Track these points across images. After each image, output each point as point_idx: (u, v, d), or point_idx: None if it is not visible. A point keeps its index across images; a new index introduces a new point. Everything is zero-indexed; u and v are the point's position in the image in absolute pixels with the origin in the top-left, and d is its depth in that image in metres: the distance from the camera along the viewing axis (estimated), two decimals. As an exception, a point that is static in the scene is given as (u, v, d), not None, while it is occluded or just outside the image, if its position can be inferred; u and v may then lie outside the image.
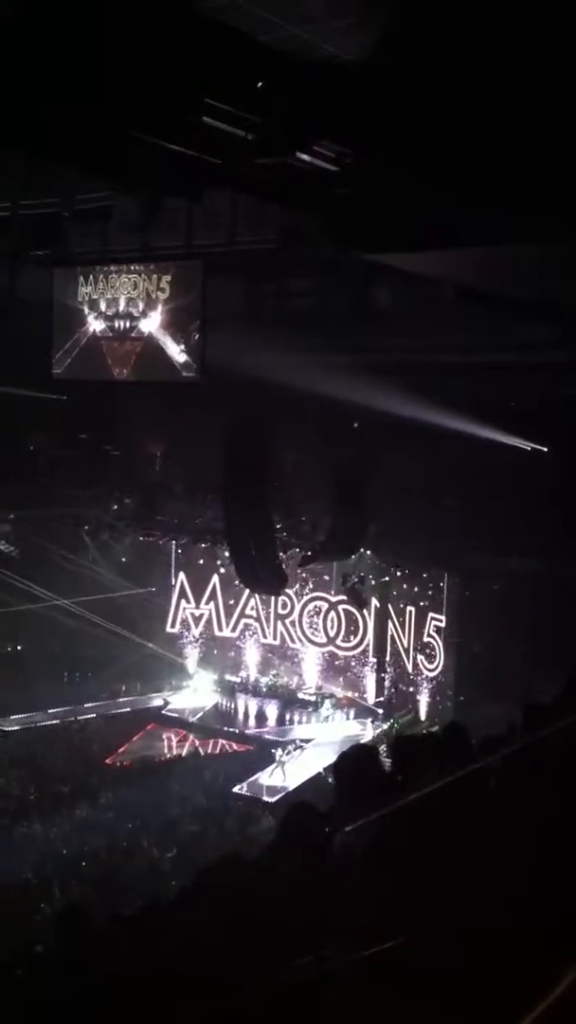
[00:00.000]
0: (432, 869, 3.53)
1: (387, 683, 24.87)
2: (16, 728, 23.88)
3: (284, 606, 26.19)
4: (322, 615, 25.76)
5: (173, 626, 27.88)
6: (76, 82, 6.03)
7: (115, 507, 26.13)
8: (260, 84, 6.66)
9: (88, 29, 5.80)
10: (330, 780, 19.15)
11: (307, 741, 23.52)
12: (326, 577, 25.57)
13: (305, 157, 7.34)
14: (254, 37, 6.50)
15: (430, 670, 23.90)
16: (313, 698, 25.29)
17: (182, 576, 27.79)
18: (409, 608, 24.35)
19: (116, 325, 17.20)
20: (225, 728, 25.44)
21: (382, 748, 20.34)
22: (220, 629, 27.42)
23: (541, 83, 5.27)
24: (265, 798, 20.86)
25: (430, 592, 24.01)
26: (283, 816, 4.83)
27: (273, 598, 25.80)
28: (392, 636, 24.70)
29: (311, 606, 25.94)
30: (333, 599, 25.45)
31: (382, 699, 24.78)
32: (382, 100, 6.18)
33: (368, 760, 4.78)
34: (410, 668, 24.34)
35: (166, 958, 4.51)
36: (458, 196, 5.68)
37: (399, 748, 5.34)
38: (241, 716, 25.85)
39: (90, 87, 6.10)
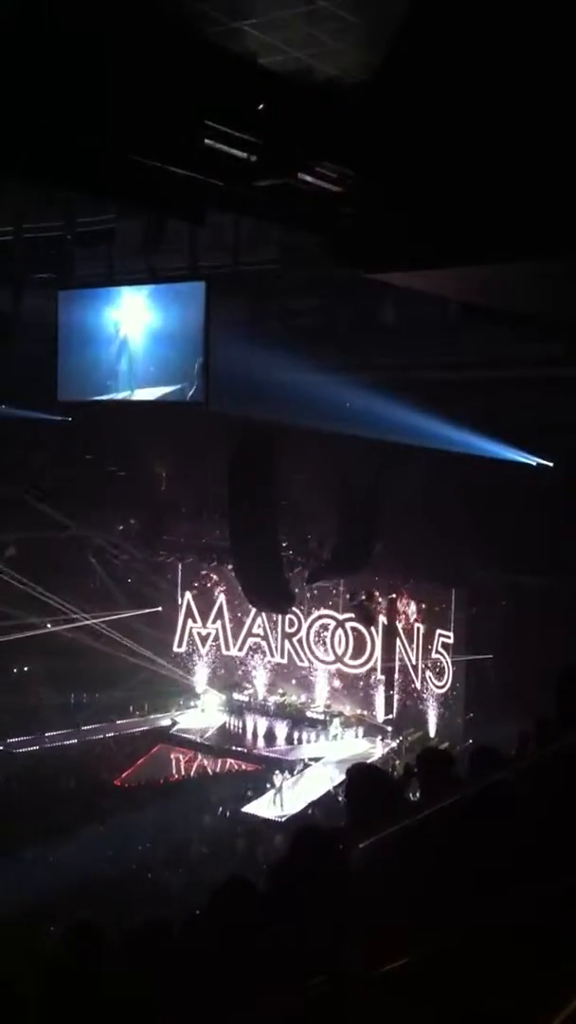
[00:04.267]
0: (447, 885, 3.52)
1: (396, 700, 24.79)
2: (24, 749, 23.85)
3: (291, 624, 26.16)
4: (329, 633, 25.72)
5: (180, 646, 27.85)
6: (77, 106, 6.08)
7: (121, 527, 26.20)
8: (261, 106, 6.72)
9: (88, 52, 5.85)
10: (340, 799, 19.18)
11: (316, 760, 23.48)
12: (333, 594, 25.54)
13: (307, 178, 7.39)
14: (255, 59, 6.56)
15: (439, 687, 23.85)
16: (322, 716, 25.21)
17: (188, 595, 27.78)
18: (417, 625, 24.32)
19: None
20: (234, 748, 25.37)
21: (396, 763, 20.38)
22: (227, 648, 27.40)
23: (543, 100, 5.31)
24: (275, 818, 20.79)
25: (438, 609, 23.98)
26: (292, 838, 4.83)
27: (280, 616, 25.78)
28: (400, 653, 24.64)
29: (318, 624, 25.90)
30: (340, 617, 25.42)
31: (391, 717, 24.71)
32: (384, 121, 6.23)
33: (378, 777, 4.77)
34: (419, 685, 24.28)
35: (177, 979, 4.50)
36: (461, 214, 5.71)
37: (425, 761, 5.33)
38: (250, 735, 25.78)
39: (91, 111, 6.15)
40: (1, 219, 17.22)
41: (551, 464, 18.93)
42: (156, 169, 6.88)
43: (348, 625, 25.24)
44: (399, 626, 24.55)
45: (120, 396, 17.46)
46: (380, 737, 24.41)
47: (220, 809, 21.25)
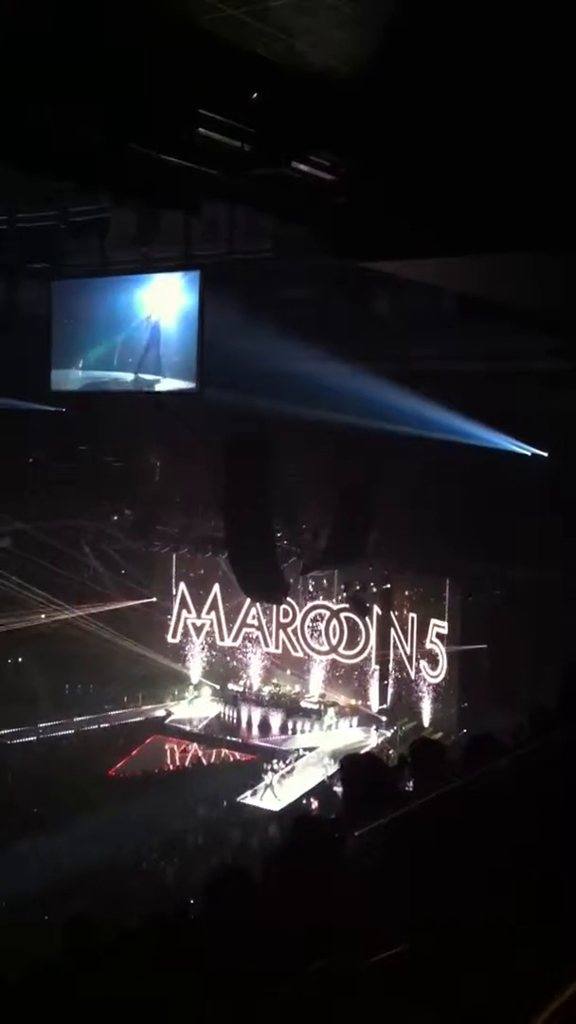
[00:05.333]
0: (440, 874, 3.53)
1: (390, 690, 24.83)
2: (18, 741, 23.85)
3: (285, 615, 26.16)
4: (324, 623, 25.73)
5: (174, 636, 27.85)
6: (71, 95, 6.06)
7: (115, 518, 26.16)
8: (255, 95, 6.69)
9: (83, 41, 5.83)
10: (335, 788, 19.24)
11: (310, 750, 23.51)
12: (328, 584, 25.55)
13: (302, 167, 7.37)
14: (249, 48, 6.53)
15: (433, 677, 23.90)
16: (316, 706, 25.24)
17: (183, 586, 27.77)
18: (411, 615, 24.35)
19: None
20: (228, 738, 25.40)
21: (390, 753, 20.40)
22: (221, 639, 27.40)
23: (538, 92, 5.29)
24: (270, 808, 20.83)
25: (432, 599, 24.02)
26: (290, 826, 4.84)
27: (274, 607, 25.80)
28: (394, 643, 24.67)
29: (313, 614, 25.91)
30: (335, 607, 25.44)
31: (385, 706, 24.75)
32: (378, 110, 6.21)
33: (374, 766, 4.78)
34: (413, 675, 24.33)
35: (172, 970, 4.50)
36: (456, 205, 5.69)
37: (420, 751, 5.33)
38: (244, 726, 25.80)
39: (85, 100, 6.12)
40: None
41: (545, 455, 18.94)
42: (150, 158, 6.86)
43: (342, 615, 25.25)
44: (393, 616, 24.58)
45: (113, 387, 17.45)
46: (374, 727, 24.46)
47: (215, 799, 21.27)
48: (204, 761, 24.46)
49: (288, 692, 26.10)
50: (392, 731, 23.91)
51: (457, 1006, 2.85)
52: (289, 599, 24.89)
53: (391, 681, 24.82)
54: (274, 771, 22.19)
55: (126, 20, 5.88)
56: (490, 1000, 2.88)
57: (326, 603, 25.70)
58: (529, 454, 19.00)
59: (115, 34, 5.87)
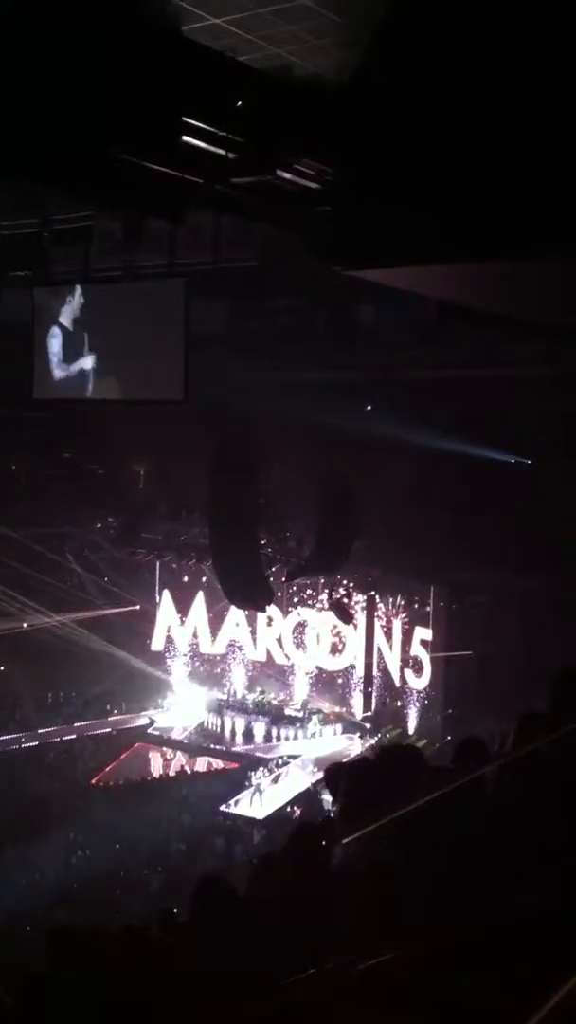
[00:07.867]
0: (430, 879, 3.53)
1: (374, 698, 24.83)
2: (0, 749, 23.75)
3: (269, 622, 26.15)
4: (308, 630, 25.72)
5: (158, 644, 27.78)
6: (55, 103, 6.06)
7: (99, 525, 26.12)
8: (240, 103, 6.71)
9: (67, 49, 5.83)
10: (321, 796, 19.21)
11: (294, 757, 23.49)
12: (312, 592, 25.55)
13: (286, 175, 7.39)
14: (233, 56, 6.55)
15: (417, 684, 23.92)
16: (300, 714, 25.23)
17: (167, 593, 27.71)
18: (395, 622, 24.37)
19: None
20: (212, 746, 25.34)
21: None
22: (206, 646, 27.35)
23: (526, 98, 5.32)
24: (254, 816, 20.79)
25: (416, 606, 24.04)
26: (292, 832, 4.84)
27: (258, 614, 25.77)
28: (379, 651, 24.68)
29: (297, 621, 25.90)
30: (319, 614, 25.43)
31: (370, 714, 24.75)
32: (363, 117, 6.23)
33: (361, 773, 4.78)
34: (397, 682, 24.34)
35: (158, 978, 4.49)
36: (441, 213, 5.72)
37: (384, 759, 5.34)
38: (228, 734, 25.75)
39: (69, 108, 6.12)
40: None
41: (528, 462, 19.00)
42: (135, 166, 6.86)
43: (327, 622, 25.24)
44: (378, 623, 24.59)
45: (97, 395, 17.40)
46: (359, 734, 24.45)
47: (198, 807, 21.22)
48: (188, 769, 24.41)
49: (272, 699, 26.06)
50: (376, 738, 23.90)
51: (448, 1013, 2.86)
52: (273, 606, 24.87)
53: (375, 688, 24.82)
54: (259, 779, 22.15)
55: (111, 28, 5.89)
56: (483, 1008, 2.88)
57: (310, 610, 25.68)
58: (512, 461, 19.07)
59: (99, 41, 5.88)
